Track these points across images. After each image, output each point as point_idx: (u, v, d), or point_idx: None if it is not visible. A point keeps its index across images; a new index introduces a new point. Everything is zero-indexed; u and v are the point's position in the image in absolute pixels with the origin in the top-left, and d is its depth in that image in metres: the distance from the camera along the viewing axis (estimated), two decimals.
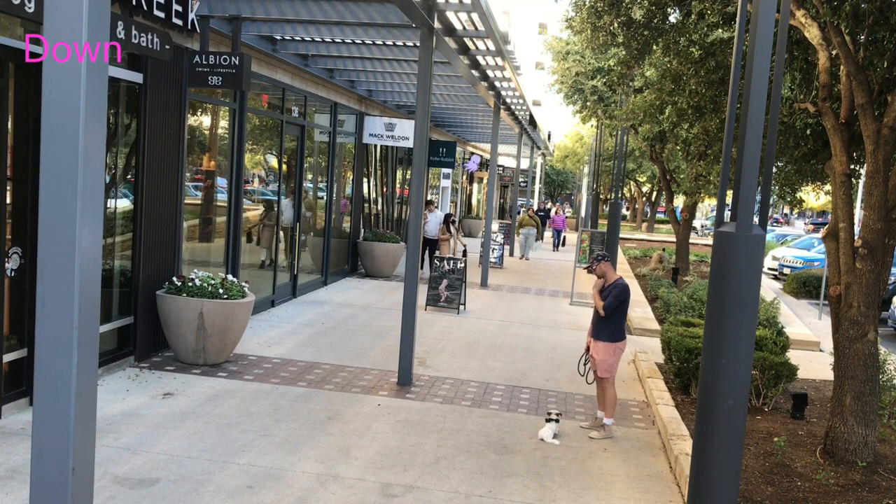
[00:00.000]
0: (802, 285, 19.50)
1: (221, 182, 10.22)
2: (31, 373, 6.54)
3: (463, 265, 13.06)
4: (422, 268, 16.79)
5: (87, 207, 2.91)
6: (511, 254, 23.75)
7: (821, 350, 12.05)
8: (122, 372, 7.95)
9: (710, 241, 39.34)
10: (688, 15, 8.26)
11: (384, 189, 18.76)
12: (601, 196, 45.48)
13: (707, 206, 59.00)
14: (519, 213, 27.46)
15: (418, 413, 7.39)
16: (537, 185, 42.87)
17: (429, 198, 23.71)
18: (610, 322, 7.16)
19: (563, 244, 28.94)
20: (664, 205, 29.35)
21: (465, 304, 13.18)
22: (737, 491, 4.13)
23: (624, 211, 56.64)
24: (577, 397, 8.34)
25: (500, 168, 40.68)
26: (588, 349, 7.45)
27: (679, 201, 27.95)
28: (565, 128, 53.49)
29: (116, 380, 7.67)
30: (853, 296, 6.52)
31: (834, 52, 6.59)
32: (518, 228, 23.40)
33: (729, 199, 4.81)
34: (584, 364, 7.62)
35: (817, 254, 22.75)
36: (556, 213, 29.48)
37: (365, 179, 16.83)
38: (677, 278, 18.96)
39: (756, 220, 4.09)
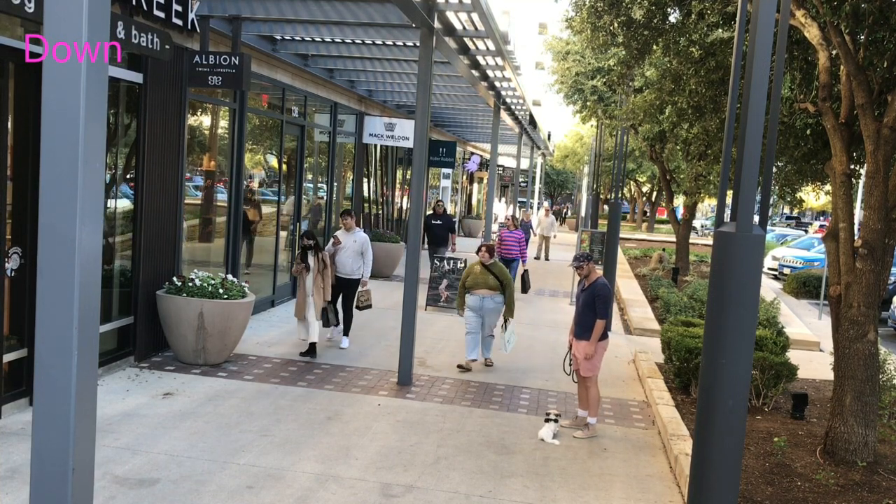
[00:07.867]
0: (802, 285, 19.50)
1: None
2: (31, 373, 6.54)
3: (463, 265, 13.06)
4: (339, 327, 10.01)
5: (87, 207, 2.90)
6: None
7: (821, 350, 12.04)
8: (122, 372, 7.95)
9: (710, 241, 39.33)
10: (688, 15, 8.24)
11: (384, 189, 18.75)
12: (601, 196, 45.44)
13: (707, 206, 58.96)
14: (439, 213, 15.68)
15: (418, 413, 7.39)
16: (537, 185, 42.82)
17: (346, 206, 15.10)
18: (592, 321, 7.15)
19: (527, 289, 14.45)
20: (664, 205, 28.93)
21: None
22: (737, 491, 4.13)
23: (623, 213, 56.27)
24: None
25: (500, 168, 40.68)
26: (571, 348, 7.45)
27: (679, 201, 27.87)
28: (565, 128, 53.45)
29: (116, 380, 7.67)
30: (853, 296, 6.52)
31: (834, 52, 6.58)
32: (462, 290, 9.44)
33: (729, 199, 4.80)
34: (569, 363, 7.62)
35: (817, 254, 22.73)
36: (523, 220, 17.02)
37: (365, 179, 16.82)
38: (677, 278, 18.96)
39: (756, 220, 4.09)
